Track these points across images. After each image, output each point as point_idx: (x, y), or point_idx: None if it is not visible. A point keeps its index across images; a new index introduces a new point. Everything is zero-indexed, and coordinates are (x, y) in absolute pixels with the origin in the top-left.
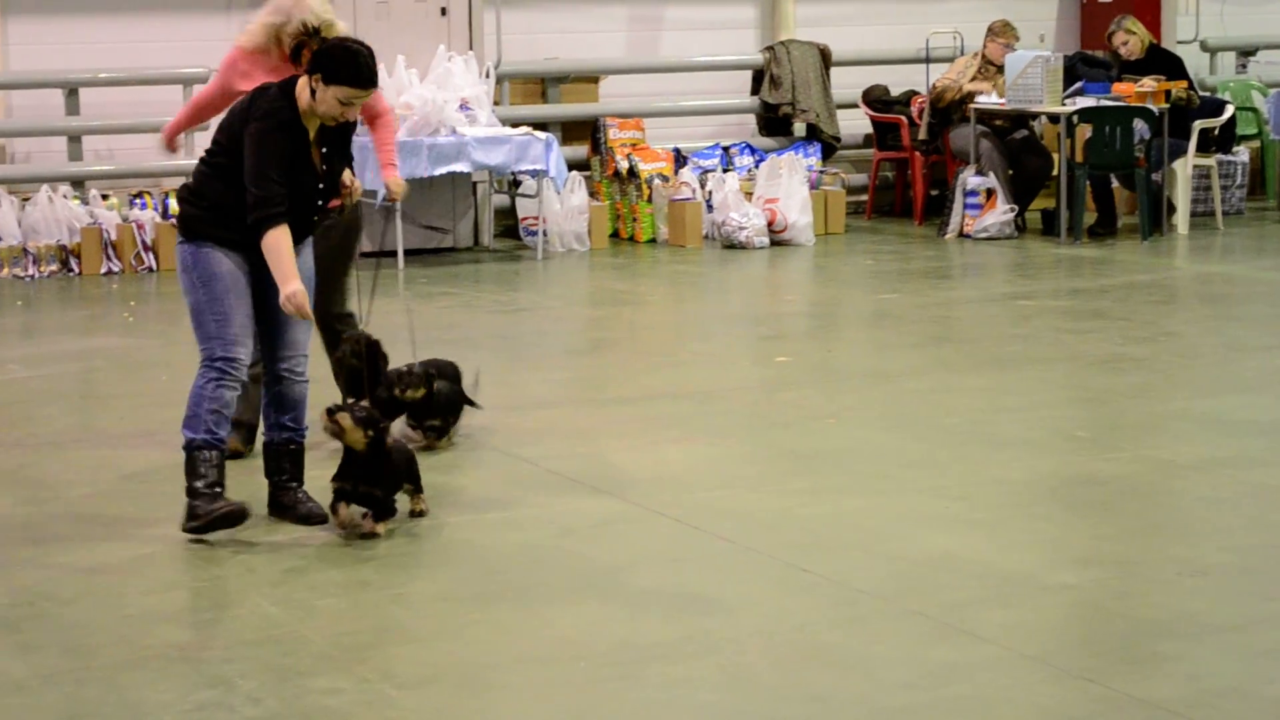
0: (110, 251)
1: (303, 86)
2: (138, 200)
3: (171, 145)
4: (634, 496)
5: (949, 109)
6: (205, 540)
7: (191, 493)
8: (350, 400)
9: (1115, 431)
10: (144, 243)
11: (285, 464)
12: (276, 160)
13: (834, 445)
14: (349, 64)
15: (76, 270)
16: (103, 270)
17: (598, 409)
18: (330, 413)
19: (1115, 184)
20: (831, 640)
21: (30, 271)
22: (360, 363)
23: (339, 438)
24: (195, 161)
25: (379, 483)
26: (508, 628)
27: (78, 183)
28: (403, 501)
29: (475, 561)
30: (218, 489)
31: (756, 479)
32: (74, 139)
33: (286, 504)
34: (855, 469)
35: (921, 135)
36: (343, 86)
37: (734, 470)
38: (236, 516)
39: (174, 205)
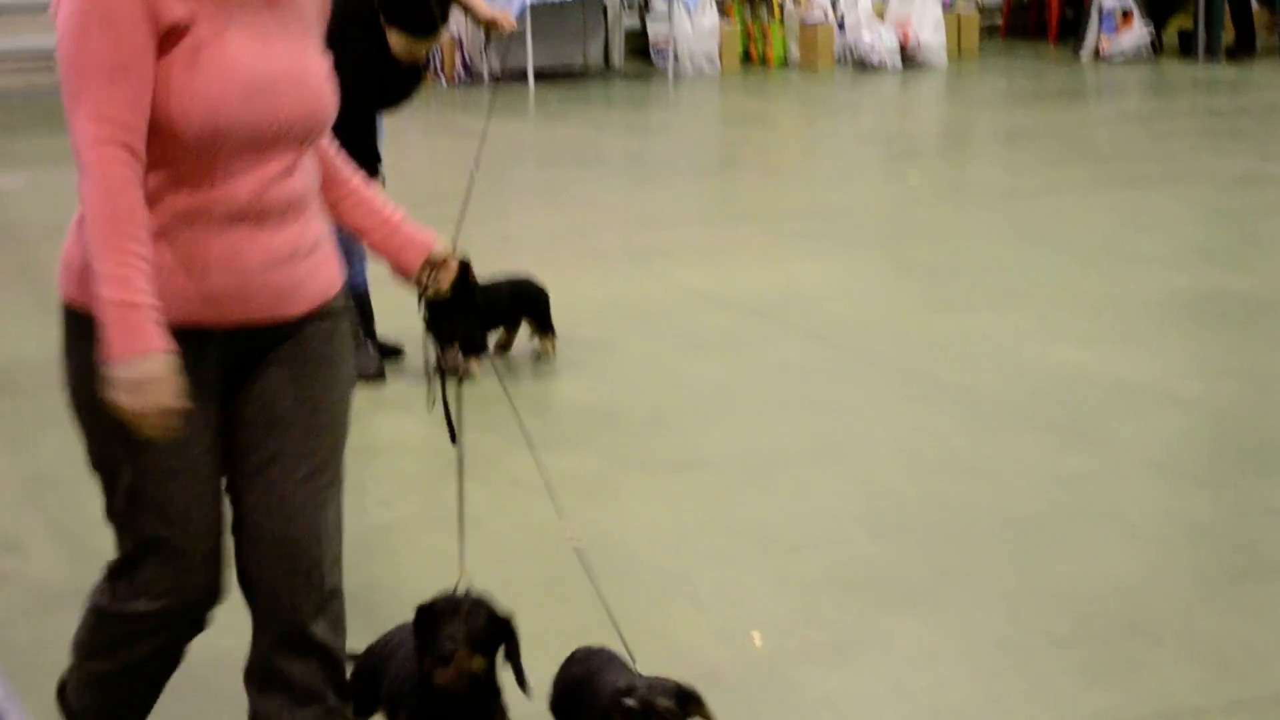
0: None
1: None
2: None
3: None
4: (765, 310)
5: None
6: None
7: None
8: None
9: (1251, 248)
10: None
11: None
12: None
13: (966, 261)
14: (408, 6)
15: None
16: None
17: (728, 226)
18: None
19: (1255, 4)
20: (962, 449)
21: None
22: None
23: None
24: None
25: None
26: (637, 437)
27: None
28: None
29: (607, 373)
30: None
31: (887, 293)
32: None
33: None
34: (987, 284)
35: None
36: (397, 30)
37: (864, 285)
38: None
39: None
